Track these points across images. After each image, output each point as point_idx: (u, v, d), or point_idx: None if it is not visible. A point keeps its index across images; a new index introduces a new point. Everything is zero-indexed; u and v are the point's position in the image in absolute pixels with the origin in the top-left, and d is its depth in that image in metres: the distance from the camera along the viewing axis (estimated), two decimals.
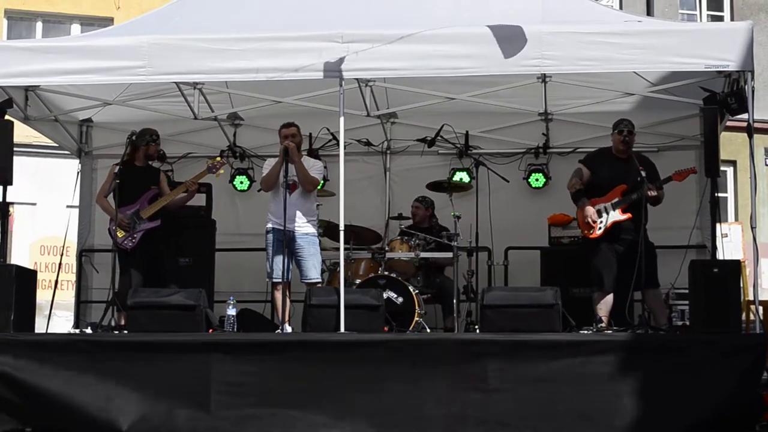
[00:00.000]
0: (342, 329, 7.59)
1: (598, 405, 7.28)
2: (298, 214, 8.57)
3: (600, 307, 8.44)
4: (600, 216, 8.52)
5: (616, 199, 8.51)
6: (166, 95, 9.69)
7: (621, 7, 17.49)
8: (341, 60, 7.85)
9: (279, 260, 8.51)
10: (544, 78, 8.91)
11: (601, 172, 8.68)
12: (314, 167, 8.82)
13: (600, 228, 8.49)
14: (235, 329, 8.24)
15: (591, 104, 9.70)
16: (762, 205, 17.06)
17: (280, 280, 8.48)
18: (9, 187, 8.32)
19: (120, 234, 8.94)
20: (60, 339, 7.97)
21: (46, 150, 15.34)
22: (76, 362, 7.57)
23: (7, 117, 8.50)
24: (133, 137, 9.01)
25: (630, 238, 8.33)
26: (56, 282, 9.22)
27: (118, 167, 8.75)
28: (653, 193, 8.38)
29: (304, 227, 8.62)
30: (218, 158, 9.60)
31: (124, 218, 8.91)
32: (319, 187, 9.11)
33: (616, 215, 8.48)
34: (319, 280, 8.75)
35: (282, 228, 8.45)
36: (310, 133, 10.34)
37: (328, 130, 10.21)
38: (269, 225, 8.64)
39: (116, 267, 8.78)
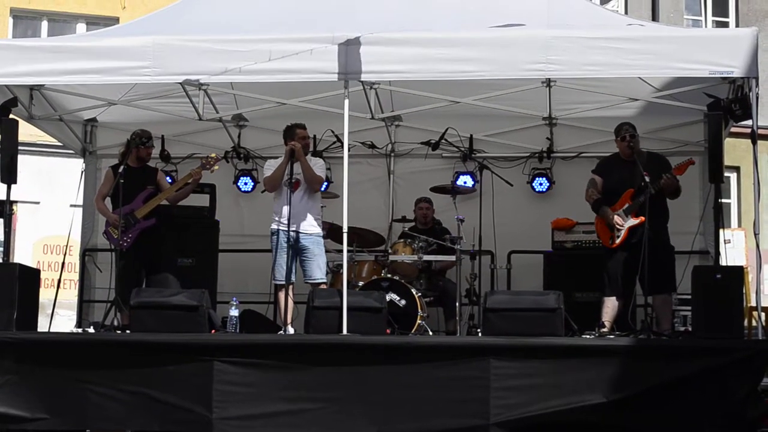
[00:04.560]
0: (344, 331, 7.58)
1: (597, 409, 7.28)
2: (305, 214, 8.59)
3: (605, 311, 8.42)
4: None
5: (627, 205, 8.49)
6: (171, 96, 9.68)
7: (626, 12, 17.47)
8: (347, 62, 7.86)
9: (283, 262, 8.52)
10: (548, 82, 8.91)
11: (611, 177, 8.67)
12: (317, 165, 8.84)
13: (618, 236, 8.47)
14: (238, 330, 8.25)
15: (595, 109, 9.67)
16: (765, 211, 16.92)
17: (283, 282, 8.50)
18: (13, 186, 8.32)
19: (115, 234, 8.86)
20: (62, 338, 7.98)
21: (50, 149, 15.34)
22: (78, 362, 7.57)
23: (12, 116, 8.51)
24: (137, 139, 9.03)
25: (647, 240, 8.16)
26: (59, 281, 9.23)
27: (122, 167, 8.72)
28: (668, 179, 8.33)
29: (309, 228, 8.63)
30: (213, 155, 9.55)
31: (116, 218, 8.77)
32: (322, 189, 9.11)
33: (630, 221, 8.44)
34: (324, 280, 8.75)
35: (287, 229, 8.45)
36: (314, 135, 10.34)
37: (333, 132, 10.22)
38: (274, 226, 8.65)
39: (113, 267, 8.75)
